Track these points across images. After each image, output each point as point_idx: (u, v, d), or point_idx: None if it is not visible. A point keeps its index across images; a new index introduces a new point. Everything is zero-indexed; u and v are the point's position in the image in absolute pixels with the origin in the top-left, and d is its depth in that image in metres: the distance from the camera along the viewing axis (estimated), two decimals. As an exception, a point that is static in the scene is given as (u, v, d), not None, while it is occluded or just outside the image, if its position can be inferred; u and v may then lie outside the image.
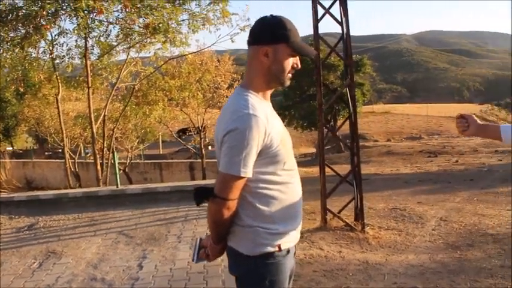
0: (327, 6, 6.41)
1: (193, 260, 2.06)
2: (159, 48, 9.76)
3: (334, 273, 4.65)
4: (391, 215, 7.58)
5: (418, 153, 23.35)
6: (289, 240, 1.91)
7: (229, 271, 1.98)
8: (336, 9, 6.44)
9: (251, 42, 1.85)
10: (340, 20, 6.41)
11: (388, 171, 17.09)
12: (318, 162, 6.93)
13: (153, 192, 7.68)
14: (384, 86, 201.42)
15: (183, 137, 28.37)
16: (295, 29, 1.84)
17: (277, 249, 1.85)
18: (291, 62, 1.85)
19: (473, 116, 2.35)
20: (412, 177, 14.29)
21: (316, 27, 6.41)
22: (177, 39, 8.86)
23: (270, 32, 1.81)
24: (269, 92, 1.93)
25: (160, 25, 7.60)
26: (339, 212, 6.62)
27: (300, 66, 1.89)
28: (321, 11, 6.40)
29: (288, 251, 1.91)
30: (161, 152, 36.02)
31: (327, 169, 6.74)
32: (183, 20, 8.82)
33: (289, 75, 1.88)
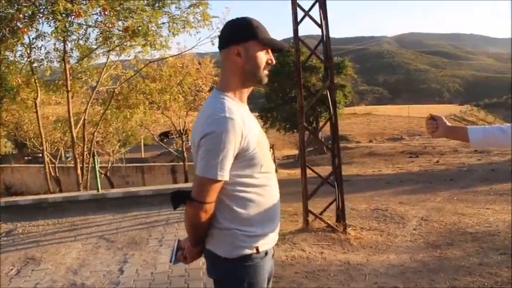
0: (306, 8, 6.45)
1: (170, 261, 2.06)
2: (139, 52, 9.70)
3: (316, 274, 4.67)
4: (373, 216, 7.64)
5: (400, 154, 23.61)
6: (267, 242, 1.91)
7: (208, 274, 1.98)
8: (315, 12, 6.48)
9: (222, 46, 1.86)
10: (320, 22, 6.45)
11: (370, 172, 17.25)
12: (300, 164, 6.95)
13: (134, 196, 7.62)
14: (365, 87, 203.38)
15: (165, 140, 28.24)
16: (263, 27, 1.86)
17: (255, 251, 1.85)
18: (265, 58, 1.85)
19: (443, 117, 2.38)
20: (394, 178, 14.45)
21: (296, 30, 6.44)
22: (157, 42, 8.81)
23: (238, 31, 1.82)
24: (246, 94, 1.93)
25: (140, 28, 7.55)
26: (321, 213, 6.64)
27: (274, 61, 1.89)
28: (300, 14, 6.44)
29: (266, 253, 1.91)
30: (143, 156, 35.79)
31: (309, 171, 6.77)
32: (163, 23, 8.78)
33: (266, 71, 1.87)
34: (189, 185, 9.37)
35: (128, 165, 21.78)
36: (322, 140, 22.99)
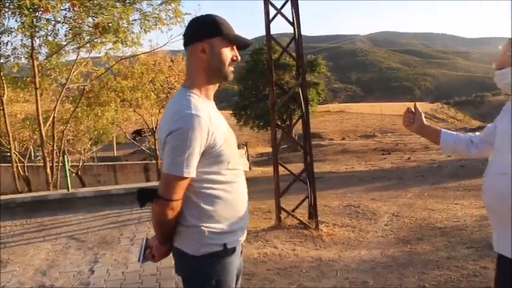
0: (279, 6, 6.47)
1: (139, 260, 2.04)
2: (110, 48, 9.53)
3: (288, 271, 4.70)
4: (346, 212, 7.73)
5: (372, 151, 23.92)
6: (235, 239, 1.91)
7: (176, 271, 1.97)
8: (288, 10, 6.50)
9: (187, 43, 1.86)
10: (292, 20, 6.47)
11: (343, 169, 17.42)
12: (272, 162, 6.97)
13: (105, 195, 7.51)
14: (338, 85, 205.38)
15: (137, 138, 27.92)
16: (228, 24, 1.87)
17: (222, 248, 1.84)
18: (230, 55, 1.86)
19: (422, 114, 2.44)
20: (366, 175, 14.63)
21: (268, 28, 6.45)
22: (128, 39, 8.68)
23: (202, 28, 1.83)
24: (212, 91, 1.93)
25: (110, 25, 7.41)
26: (293, 210, 6.68)
27: (239, 58, 1.90)
28: (273, 12, 6.45)
29: (234, 250, 1.91)
30: (116, 154, 35.34)
31: (282, 168, 6.79)
32: (135, 20, 8.65)
33: (231, 68, 1.88)
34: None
35: (99, 163, 21.48)
36: (296, 137, 23.12)
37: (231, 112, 35.94)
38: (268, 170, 17.08)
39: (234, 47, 1.89)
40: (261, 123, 31.64)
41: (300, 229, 6.27)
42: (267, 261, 5.04)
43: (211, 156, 1.77)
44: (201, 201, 1.81)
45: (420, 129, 2.43)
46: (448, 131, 2.46)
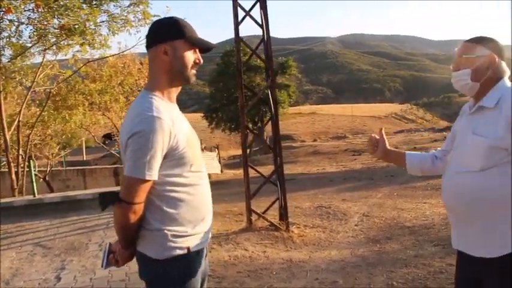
0: (248, 8, 6.47)
1: (102, 266, 2.00)
2: (77, 51, 9.35)
3: (258, 273, 4.69)
4: (317, 213, 7.77)
5: (343, 152, 24.19)
6: (199, 242, 1.89)
7: (139, 276, 1.94)
8: (257, 12, 6.51)
9: (149, 45, 1.85)
10: (261, 22, 6.48)
11: (315, 171, 17.55)
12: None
13: (73, 200, 7.36)
14: (310, 87, 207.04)
15: (107, 142, 27.46)
16: (191, 26, 1.87)
17: (186, 251, 1.83)
18: (193, 58, 1.86)
19: (385, 139, 2.45)
20: (337, 176, 14.77)
21: (236, 30, 6.44)
22: (96, 41, 8.53)
23: (165, 30, 1.83)
24: (175, 94, 1.92)
25: (77, 26, 7.27)
26: (264, 212, 6.68)
27: (202, 61, 1.90)
28: (242, 14, 6.45)
29: (198, 253, 1.90)
30: (85, 158, 34.68)
31: (254, 171, 6.79)
32: (102, 22, 8.52)
33: (193, 71, 1.88)
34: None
35: (68, 168, 21.01)
36: (267, 139, 23.21)
37: (202, 115, 35.81)
38: (240, 172, 17.06)
39: (197, 50, 1.88)
40: (233, 126, 31.59)
41: (271, 231, 6.28)
42: (238, 263, 5.02)
43: (173, 158, 1.76)
44: (164, 204, 1.79)
45: (385, 155, 2.45)
46: (412, 152, 2.49)
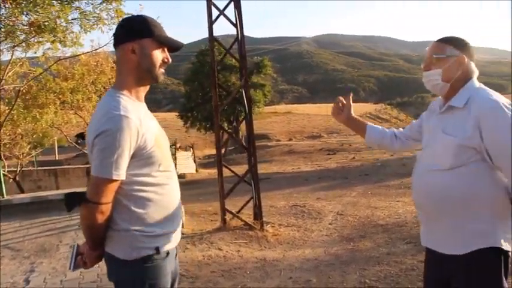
0: (222, 7, 6.44)
1: (69, 268, 1.97)
2: (48, 48, 9.14)
3: (232, 272, 4.67)
4: (291, 212, 7.80)
5: (318, 151, 24.36)
6: (168, 242, 1.87)
7: (108, 278, 1.92)
8: (231, 11, 6.49)
9: (117, 43, 1.83)
10: (235, 21, 6.46)
11: (290, 170, 17.63)
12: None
13: (43, 201, 7.22)
14: (285, 86, 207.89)
15: (80, 142, 26.99)
16: (159, 25, 1.86)
17: (155, 252, 1.81)
18: (161, 57, 1.85)
19: (351, 106, 2.48)
20: (312, 175, 14.86)
21: (210, 29, 6.41)
22: (67, 39, 8.34)
23: (133, 28, 1.81)
24: (143, 93, 1.90)
25: (47, 23, 7.10)
26: (238, 211, 6.67)
27: (170, 60, 1.89)
28: (216, 13, 6.42)
29: (168, 254, 1.88)
30: (57, 158, 34.05)
31: (228, 170, 6.77)
32: (74, 19, 8.33)
33: (162, 70, 1.87)
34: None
35: (39, 168, 20.58)
36: (243, 139, 23.15)
37: (177, 114, 35.54)
38: (215, 172, 17.00)
39: (165, 49, 1.87)
40: (208, 125, 31.43)
41: (245, 230, 6.27)
42: (212, 263, 5.00)
43: (141, 158, 1.75)
44: (132, 204, 1.77)
45: (348, 120, 2.49)
46: (374, 126, 2.54)
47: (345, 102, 2.49)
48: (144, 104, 1.91)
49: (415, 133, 2.35)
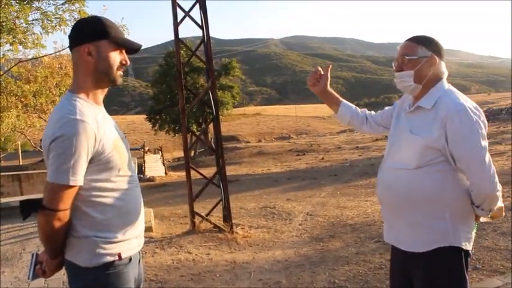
0: (187, 9, 6.38)
1: (28, 278, 1.89)
2: (8, 50, 8.89)
3: (202, 276, 4.62)
4: (261, 214, 7.78)
5: (288, 152, 24.44)
6: (131, 248, 1.83)
7: (69, 286, 1.86)
8: (197, 13, 6.43)
9: (72, 45, 1.77)
10: (200, 23, 6.40)
11: (260, 171, 17.62)
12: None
13: (4, 208, 6.98)
14: (254, 88, 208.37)
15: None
16: (116, 27, 1.82)
17: (117, 258, 1.76)
18: (119, 59, 1.80)
19: (328, 79, 2.45)
20: (282, 176, 14.90)
21: (176, 30, 6.35)
22: (28, 40, 8.15)
23: (89, 30, 1.76)
24: (101, 96, 1.85)
25: (5, 24, 6.91)
26: (208, 214, 6.61)
27: (128, 62, 1.85)
28: (181, 14, 6.35)
29: (131, 259, 1.84)
30: (21, 163, 33.14)
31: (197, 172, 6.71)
32: (35, 20, 8.13)
33: (120, 72, 1.83)
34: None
35: (2, 174, 19.96)
36: (212, 141, 23.07)
37: (145, 117, 35.11)
38: (184, 174, 16.89)
39: (123, 51, 1.83)
40: (177, 128, 31.07)
41: (215, 233, 6.21)
42: (181, 267, 4.93)
43: (100, 163, 1.70)
44: (92, 210, 1.72)
45: (323, 91, 2.46)
46: (349, 104, 2.53)
47: (322, 72, 2.45)
48: (103, 108, 1.86)
49: (386, 121, 2.38)
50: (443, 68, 2.05)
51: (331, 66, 2.50)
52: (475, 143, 1.87)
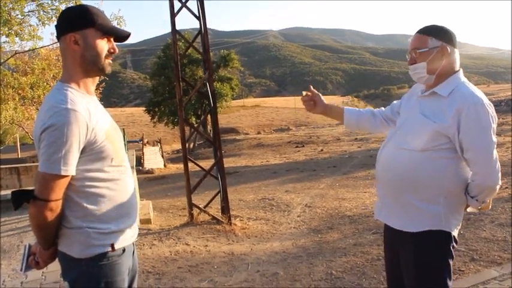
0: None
1: (21, 270, 1.87)
2: (5, 42, 8.84)
3: (199, 267, 4.61)
4: (260, 205, 7.79)
5: (287, 144, 24.45)
6: (124, 239, 1.81)
7: (62, 277, 1.83)
8: (193, 4, 6.39)
9: (59, 34, 1.74)
10: (197, 14, 6.36)
11: (259, 163, 17.64)
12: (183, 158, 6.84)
13: (2, 200, 6.96)
14: (253, 80, 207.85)
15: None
16: (104, 14, 1.78)
17: (110, 249, 1.75)
18: (106, 47, 1.77)
19: (320, 95, 2.45)
20: (281, 168, 14.91)
21: (173, 21, 6.31)
22: (24, 32, 8.09)
23: (74, 18, 1.73)
24: (92, 85, 1.83)
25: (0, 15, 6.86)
26: (205, 206, 6.61)
27: (117, 50, 1.82)
28: (178, 5, 6.31)
29: (124, 250, 1.82)
30: (20, 156, 33.12)
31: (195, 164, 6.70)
32: (31, 11, 8.08)
33: (108, 60, 1.80)
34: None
35: (1, 166, 19.96)
36: (211, 132, 23.00)
37: (144, 109, 35.04)
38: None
39: (111, 39, 1.80)
40: (176, 120, 30.96)
41: (213, 225, 6.21)
42: (179, 259, 4.92)
43: (92, 152, 1.67)
44: (84, 200, 1.70)
45: (324, 110, 2.47)
46: (351, 108, 2.54)
47: (310, 93, 2.46)
48: (95, 97, 1.83)
49: (396, 114, 2.37)
50: (457, 56, 2.06)
51: (311, 86, 2.49)
52: (486, 136, 1.92)
